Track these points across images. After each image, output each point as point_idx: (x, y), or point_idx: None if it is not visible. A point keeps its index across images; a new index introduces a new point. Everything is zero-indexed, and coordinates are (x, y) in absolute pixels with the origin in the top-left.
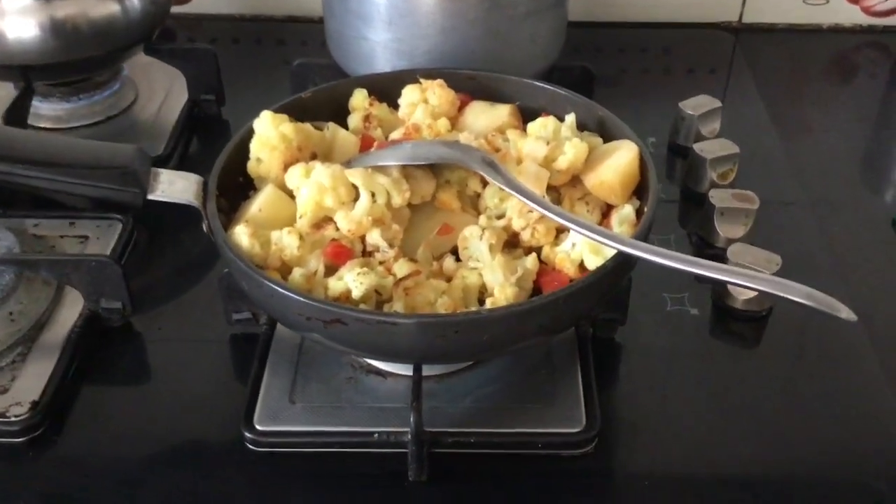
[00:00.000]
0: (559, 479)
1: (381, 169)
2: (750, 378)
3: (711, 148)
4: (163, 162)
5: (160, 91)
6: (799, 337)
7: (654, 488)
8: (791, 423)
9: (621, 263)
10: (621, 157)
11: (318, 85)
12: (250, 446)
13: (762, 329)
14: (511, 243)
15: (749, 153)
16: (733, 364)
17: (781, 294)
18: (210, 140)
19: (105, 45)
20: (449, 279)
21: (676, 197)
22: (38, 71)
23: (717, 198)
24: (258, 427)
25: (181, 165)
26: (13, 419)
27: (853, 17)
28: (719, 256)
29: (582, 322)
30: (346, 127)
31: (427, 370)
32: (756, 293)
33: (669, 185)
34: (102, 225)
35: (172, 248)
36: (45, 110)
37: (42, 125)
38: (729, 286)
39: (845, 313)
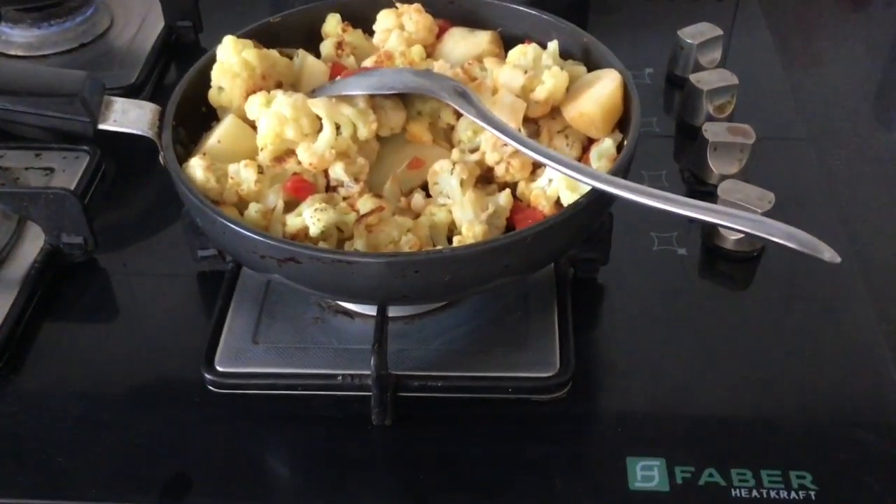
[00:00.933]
0: (530, 425)
1: (347, 99)
2: (737, 320)
3: (709, 79)
4: (135, 91)
5: (136, 17)
6: (791, 278)
7: (629, 433)
8: (777, 367)
9: (595, 201)
10: (603, 87)
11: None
12: (211, 388)
13: (753, 270)
14: (485, 178)
15: (750, 85)
16: (720, 306)
17: (759, 234)
18: (188, 68)
19: None
20: (417, 216)
21: (672, 131)
22: None
23: (711, 132)
24: (219, 368)
25: (155, 95)
26: None
27: None
28: (711, 194)
29: (559, 261)
30: (318, 55)
31: (395, 311)
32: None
33: (666, 118)
34: (69, 157)
35: (141, 181)
36: (15, 37)
37: (12, 52)
38: (720, 227)
39: (828, 255)
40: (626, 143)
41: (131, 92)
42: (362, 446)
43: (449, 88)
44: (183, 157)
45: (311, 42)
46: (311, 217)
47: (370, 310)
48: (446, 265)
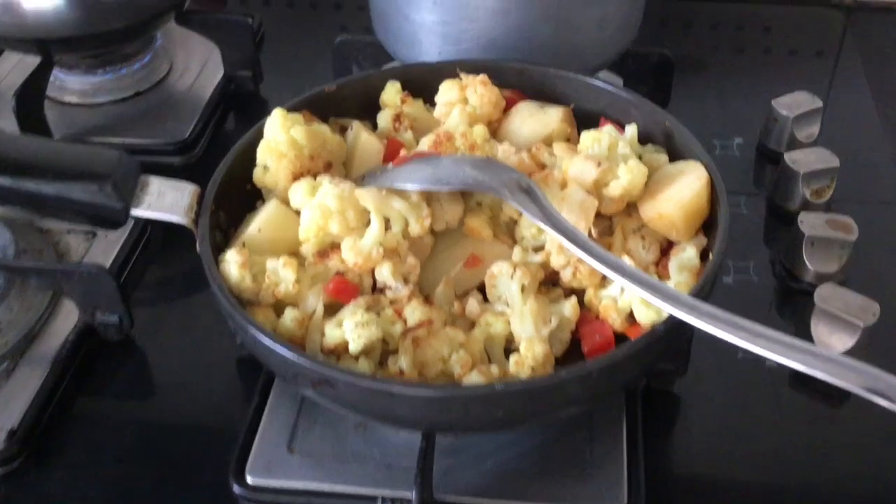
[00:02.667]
0: None
1: (399, 190)
2: (830, 439)
3: (806, 159)
4: (189, 147)
5: (196, 63)
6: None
7: None
8: (875, 489)
9: (676, 328)
10: (687, 187)
11: (363, 67)
12: (241, 502)
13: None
14: (551, 281)
15: (851, 164)
16: (812, 423)
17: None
18: (246, 119)
19: (130, 16)
20: (472, 324)
21: (762, 212)
22: (56, 44)
23: (808, 224)
24: (250, 481)
25: (211, 148)
26: None
27: None
28: (806, 293)
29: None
30: (374, 124)
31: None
32: (844, 351)
33: (755, 197)
34: None
35: (187, 249)
36: (70, 83)
37: (66, 99)
38: (815, 340)
39: None
40: (711, 255)
41: (185, 148)
42: None
43: (512, 183)
44: (222, 244)
45: (368, 112)
46: (353, 332)
47: None
48: (498, 401)
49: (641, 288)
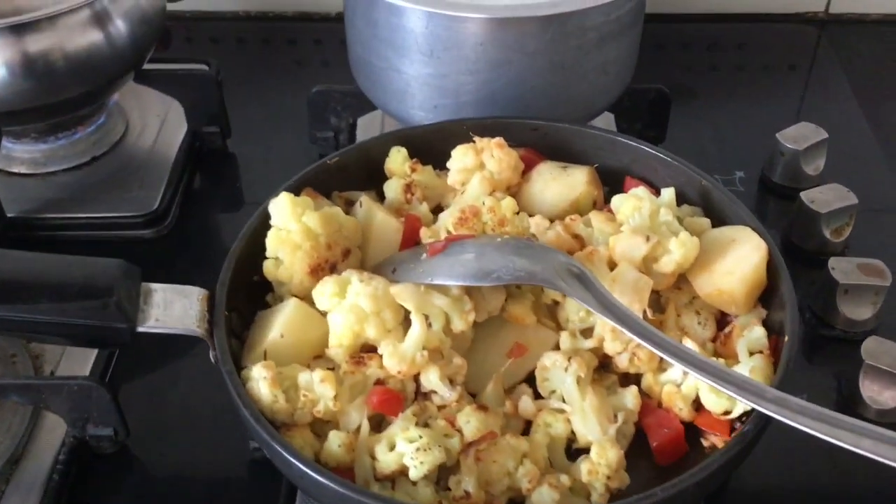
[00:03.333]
0: None
1: (439, 287)
2: None
3: (824, 198)
4: (160, 219)
5: (155, 120)
6: None
7: None
8: None
9: (764, 426)
10: (745, 260)
11: (341, 117)
12: None
13: None
14: (601, 363)
15: (862, 196)
16: (862, 488)
17: None
18: (215, 178)
19: (86, 82)
20: (526, 423)
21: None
22: (6, 117)
23: (840, 271)
24: None
25: (183, 215)
26: None
27: None
28: (838, 339)
29: None
30: (382, 194)
31: None
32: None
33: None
34: None
35: (171, 344)
36: (17, 152)
37: (15, 170)
38: (864, 395)
39: None
40: (786, 340)
41: (156, 219)
42: None
43: (563, 270)
44: (237, 349)
45: (374, 180)
46: (414, 458)
47: None
48: None
49: (719, 384)
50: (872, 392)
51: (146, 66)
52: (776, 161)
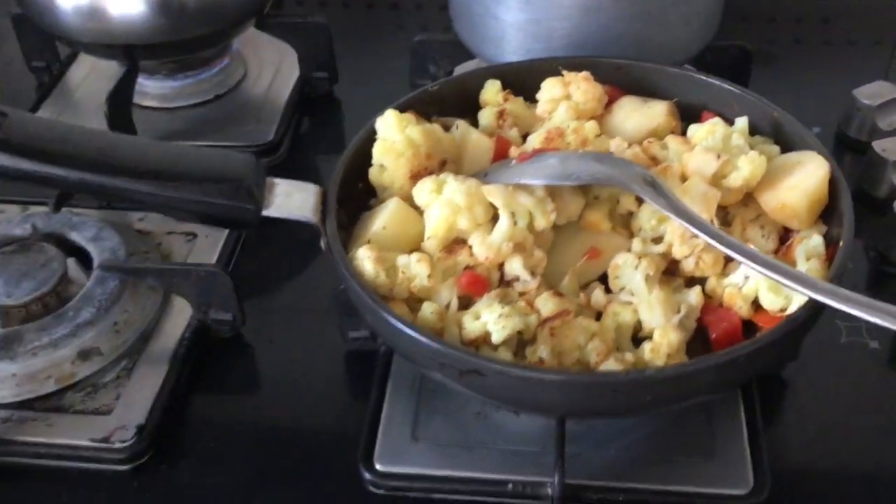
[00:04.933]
0: None
1: (523, 185)
2: None
3: (895, 147)
4: (274, 148)
5: (270, 66)
6: None
7: None
8: None
9: (814, 312)
10: (809, 177)
11: (440, 66)
12: (370, 488)
13: None
14: (668, 271)
15: None
16: None
17: None
18: (321, 121)
19: (214, 23)
20: (598, 314)
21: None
22: (143, 50)
23: None
24: (379, 468)
25: (292, 150)
26: (118, 445)
27: None
28: None
29: (740, 386)
30: (476, 123)
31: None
32: None
33: None
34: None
35: (283, 250)
36: (150, 88)
37: (146, 104)
38: None
39: None
40: (841, 244)
41: (270, 150)
42: None
43: (638, 178)
44: (344, 240)
45: (469, 110)
46: (496, 324)
47: None
48: (649, 386)
49: (783, 277)
50: None
51: (266, 16)
52: (852, 116)
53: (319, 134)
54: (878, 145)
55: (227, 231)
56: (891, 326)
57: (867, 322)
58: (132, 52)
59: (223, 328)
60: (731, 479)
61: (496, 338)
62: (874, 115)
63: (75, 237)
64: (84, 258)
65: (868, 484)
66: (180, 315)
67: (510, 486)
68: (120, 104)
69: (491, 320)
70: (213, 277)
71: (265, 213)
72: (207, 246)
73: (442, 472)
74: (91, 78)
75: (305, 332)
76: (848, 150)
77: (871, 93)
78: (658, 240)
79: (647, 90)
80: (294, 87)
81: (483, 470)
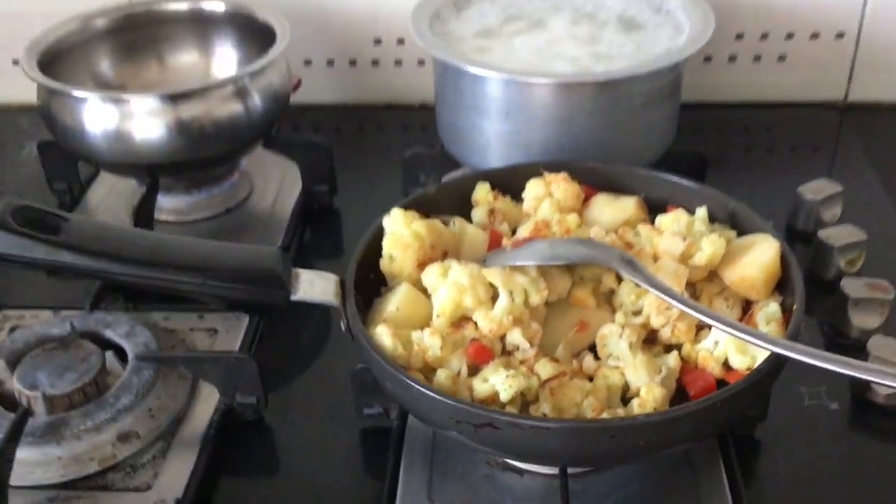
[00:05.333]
0: None
1: (518, 267)
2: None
3: (838, 234)
4: None
5: (274, 182)
6: None
7: None
8: None
9: (776, 365)
10: (763, 253)
11: (429, 175)
12: None
13: None
14: (648, 340)
15: (873, 237)
16: (878, 462)
17: None
18: (322, 229)
19: (228, 143)
20: (590, 378)
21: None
22: (163, 168)
23: (850, 287)
24: None
25: (298, 256)
26: None
27: None
28: (854, 348)
29: (718, 434)
30: (469, 220)
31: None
32: None
33: None
34: (231, 318)
35: (295, 340)
36: (166, 203)
37: (164, 218)
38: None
39: None
40: (795, 307)
41: None
42: None
43: (616, 257)
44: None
45: (463, 209)
46: (503, 384)
47: (538, 467)
48: (641, 430)
49: (744, 335)
50: (877, 385)
51: (273, 137)
52: (799, 211)
53: (322, 241)
54: (823, 234)
55: (245, 326)
56: (841, 371)
57: (825, 386)
58: (153, 170)
59: (247, 411)
60: None
61: (504, 396)
62: (818, 209)
63: (110, 334)
64: (118, 352)
65: None
66: (207, 401)
67: None
68: (143, 218)
69: (499, 382)
70: (241, 363)
71: (293, 298)
72: (229, 339)
73: None
74: (111, 197)
75: (322, 413)
76: (797, 239)
77: (814, 188)
78: (637, 313)
79: (617, 188)
80: (297, 200)
81: None
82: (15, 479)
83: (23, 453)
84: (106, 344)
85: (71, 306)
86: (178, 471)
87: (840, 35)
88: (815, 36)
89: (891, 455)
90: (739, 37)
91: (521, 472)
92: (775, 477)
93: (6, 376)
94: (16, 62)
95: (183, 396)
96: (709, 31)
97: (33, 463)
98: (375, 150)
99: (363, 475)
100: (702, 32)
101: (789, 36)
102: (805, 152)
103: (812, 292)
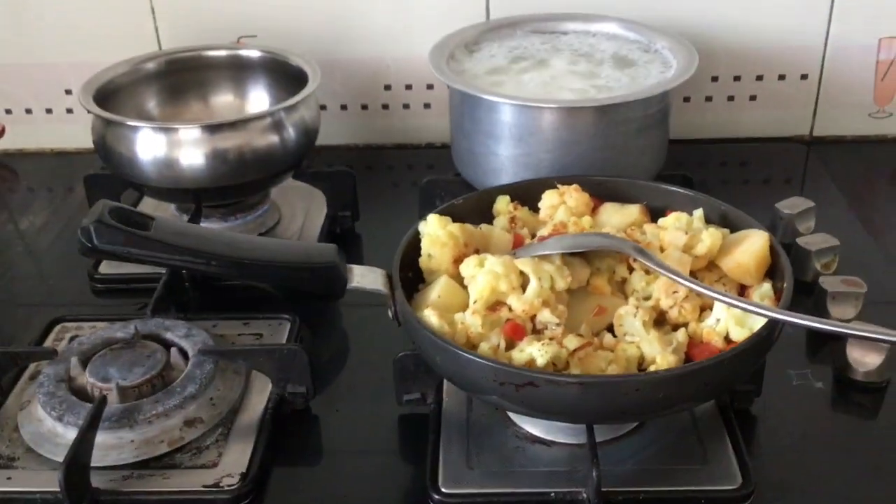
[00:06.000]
0: None
1: (545, 258)
2: (876, 443)
3: (814, 241)
4: None
5: (300, 211)
6: None
7: None
8: None
9: (771, 331)
10: (754, 243)
11: (444, 200)
12: None
13: (881, 399)
14: (657, 321)
15: (844, 245)
16: (856, 430)
17: None
18: (347, 249)
19: (264, 171)
20: (610, 351)
21: None
22: (206, 193)
23: (828, 283)
24: (443, 490)
25: None
26: (226, 488)
27: None
28: (831, 337)
29: (726, 391)
30: None
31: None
32: (876, 367)
33: None
34: (273, 324)
35: (334, 340)
36: None
37: None
38: (851, 361)
39: None
40: (785, 285)
41: None
42: None
43: (629, 245)
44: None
45: (486, 219)
46: (539, 351)
47: (563, 438)
48: (662, 384)
49: (748, 305)
50: (855, 363)
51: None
52: (777, 224)
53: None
54: (800, 240)
55: (287, 329)
56: (828, 329)
57: (811, 369)
58: (198, 194)
59: (298, 400)
60: (723, 478)
61: (541, 361)
62: (794, 221)
63: (170, 336)
64: (179, 351)
65: (819, 478)
66: (261, 393)
67: (552, 494)
68: None
69: (535, 350)
70: (293, 355)
71: (349, 286)
72: (271, 340)
73: (495, 490)
74: None
75: (362, 403)
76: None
77: (789, 204)
78: (647, 297)
79: (622, 199)
80: (323, 225)
81: (528, 486)
82: (94, 461)
83: (100, 438)
84: (167, 344)
85: (121, 318)
86: (239, 451)
87: (804, 76)
88: (781, 77)
89: (867, 424)
90: (715, 79)
91: (548, 443)
92: (770, 445)
93: (78, 373)
94: (69, 110)
95: (239, 388)
96: (693, 65)
97: (109, 446)
98: (388, 183)
99: (405, 455)
100: (687, 67)
101: (759, 77)
102: (778, 181)
103: (793, 293)
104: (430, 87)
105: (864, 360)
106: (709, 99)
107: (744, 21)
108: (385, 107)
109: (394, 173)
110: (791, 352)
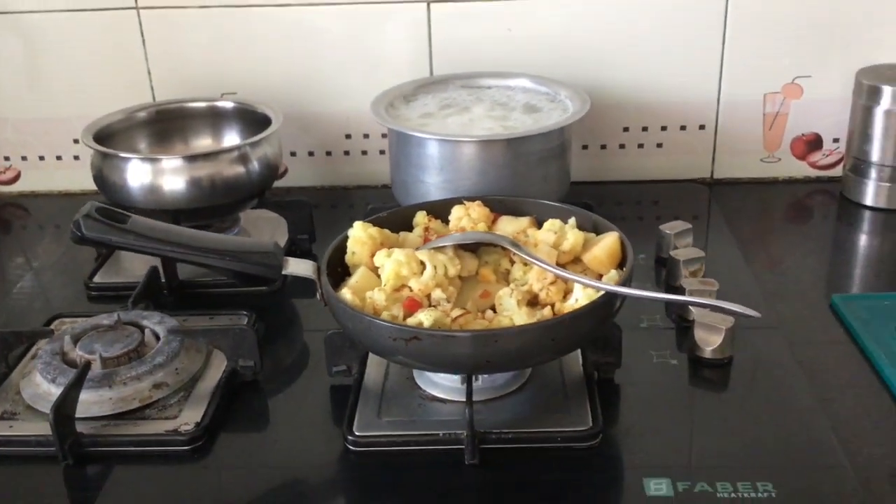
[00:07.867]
0: (574, 465)
1: (441, 249)
2: (716, 406)
3: (685, 253)
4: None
5: (266, 235)
6: (751, 379)
7: (645, 464)
8: (745, 430)
9: (610, 299)
10: (608, 241)
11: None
12: (350, 447)
13: (726, 374)
14: (531, 303)
15: (714, 258)
16: (704, 397)
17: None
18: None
19: (232, 196)
20: (489, 323)
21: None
22: (184, 213)
23: (687, 283)
24: (356, 433)
25: (283, 286)
26: (182, 432)
27: (803, 170)
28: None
29: (588, 363)
30: None
31: (476, 396)
32: (717, 346)
33: (656, 286)
34: (234, 318)
35: (282, 336)
36: None
37: None
38: (697, 340)
39: (752, 312)
40: (624, 268)
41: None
42: (458, 480)
43: (506, 240)
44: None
45: (407, 228)
46: (426, 315)
47: (457, 397)
48: (517, 336)
49: (591, 282)
50: (701, 343)
51: (265, 197)
52: (661, 242)
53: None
54: (673, 253)
55: (245, 322)
56: (653, 296)
57: (669, 350)
58: (177, 214)
59: (247, 372)
60: (579, 422)
61: (427, 323)
62: (673, 240)
63: (146, 322)
64: (152, 333)
65: (660, 428)
66: (218, 368)
67: (441, 434)
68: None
69: (422, 315)
70: (244, 334)
71: (284, 272)
72: None
73: (397, 432)
74: None
75: (300, 380)
76: (661, 266)
77: (670, 226)
78: (524, 284)
79: (517, 213)
80: (285, 245)
81: (424, 429)
82: (79, 413)
83: (85, 395)
84: (143, 329)
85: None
86: (197, 409)
87: (702, 127)
88: (683, 128)
89: (712, 395)
90: (626, 129)
91: (445, 401)
92: (624, 404)
93: (70, 348)
94: (76, 157)
95: (200, 362)
96: (586, 108)
97: (92, 402)
98: (345, 215)
99: (332, 417)
100: (580, 110)
101: (664, 128)
102: (676, 213)
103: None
104: (384, 135)
105: (708, 338)
106: (622, 146)
107: (649, 80)
108: (346, 153)
109: (353, 210)
110: (659, 339)
